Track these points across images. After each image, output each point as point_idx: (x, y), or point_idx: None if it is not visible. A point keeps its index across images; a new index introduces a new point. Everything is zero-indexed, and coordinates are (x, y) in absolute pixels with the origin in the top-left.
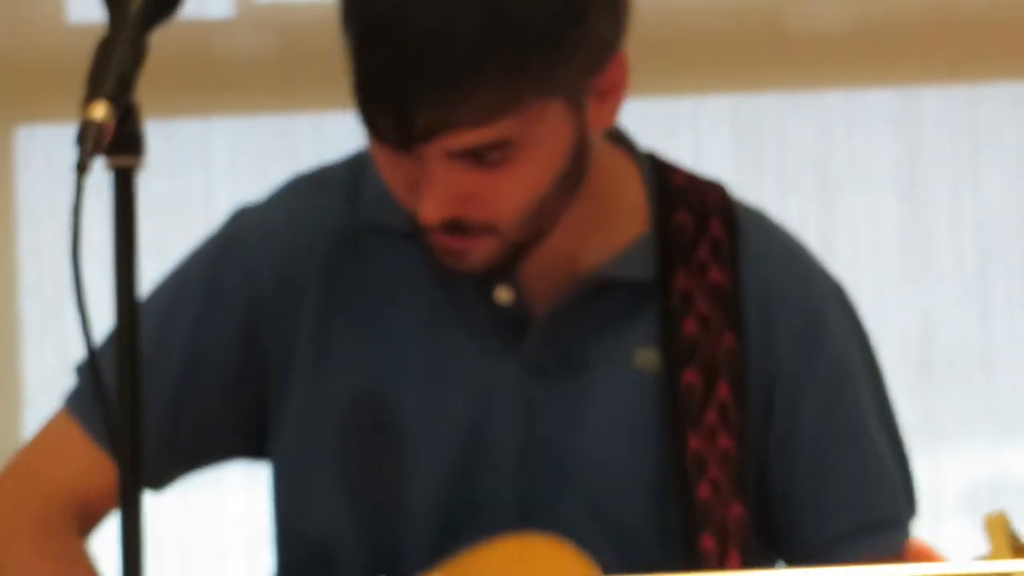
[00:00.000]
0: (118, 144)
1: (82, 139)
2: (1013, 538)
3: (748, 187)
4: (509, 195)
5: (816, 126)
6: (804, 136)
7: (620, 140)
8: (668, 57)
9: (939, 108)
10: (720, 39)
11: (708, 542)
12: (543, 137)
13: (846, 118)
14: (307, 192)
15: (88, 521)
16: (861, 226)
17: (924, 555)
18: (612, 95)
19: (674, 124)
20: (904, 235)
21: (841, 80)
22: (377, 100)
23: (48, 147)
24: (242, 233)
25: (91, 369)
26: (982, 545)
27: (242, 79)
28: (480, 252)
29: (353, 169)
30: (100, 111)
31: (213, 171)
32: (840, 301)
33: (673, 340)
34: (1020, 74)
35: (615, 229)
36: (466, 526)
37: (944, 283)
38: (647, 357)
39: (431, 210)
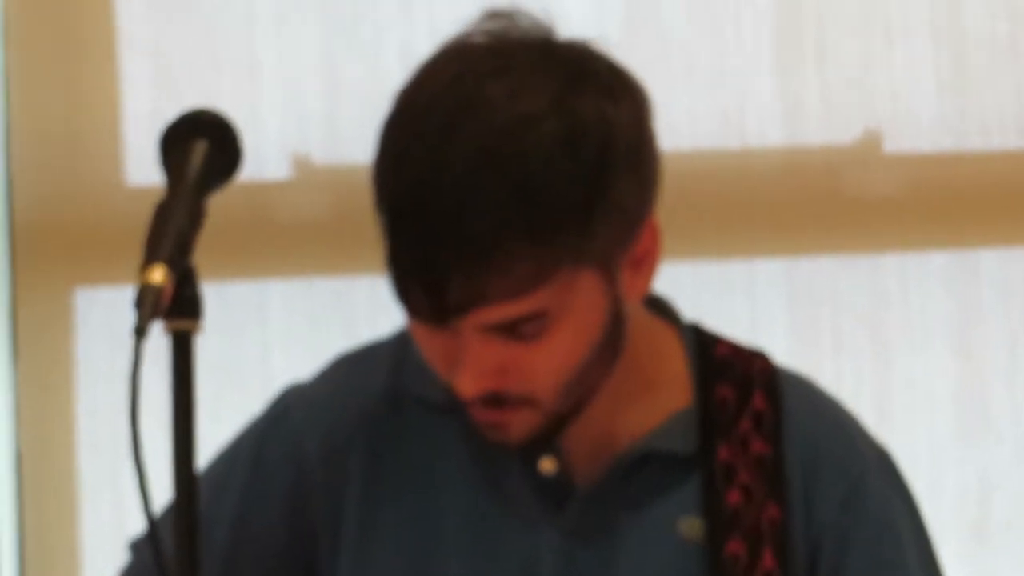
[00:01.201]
0: (176, 308)
1: (140, 303)
2: None
3: (803, 348)
4: (546, 367)
5: (871, 288)
6: (859, 298)
7: (662, 310)
8: (724, 221)
9: (995, 269)
10: (776, 203)
11: None
12: (577, 308)
13: (901, 280)
14: (352, 368)
15: None
16: (917, 387)
17: None
18: (646, 263)
19: (730, 287)
20: (960, 396)
21: (896, 243)
22: (408, 275)
23: (106, 309)
24: (289, 410)
25: (151, 544)
26: None
27: (298, 241)
28: (520, 424)
29: (398, 343)
30: (158, 275)
31: (269, 333)
32: (884, 466)
33: (716, 511)
34: None
35: (657, 401)
36: None
37: (1001, 444)
38: (690, 526)
39: (468, 384)
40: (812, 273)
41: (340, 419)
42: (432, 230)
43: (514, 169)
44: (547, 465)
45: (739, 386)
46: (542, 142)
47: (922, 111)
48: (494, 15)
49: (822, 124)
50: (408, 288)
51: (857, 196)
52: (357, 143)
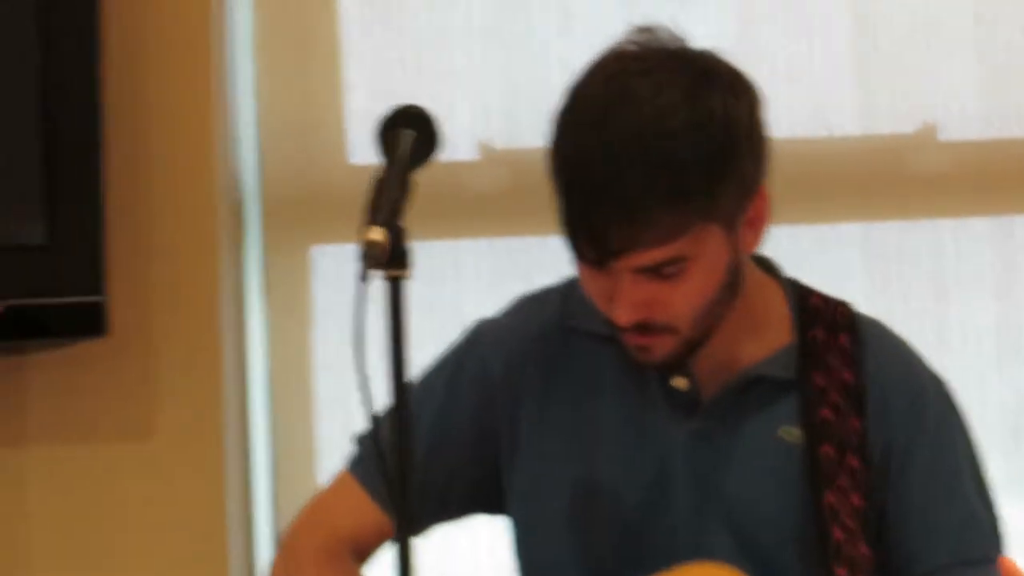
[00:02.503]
0: (391, 260)
1: (364, 256)
2: None
3: (877, 296)
4: (683, 301)
5: (930, 248)
6: (920, 255)
7: (768, 268)
8: (813, 194)
9: None
10: (853, 181)
11: (842, 574)
12: (707, 255)
13: (954, 241)
14: (530, 307)
15: (361, 555)
16: (967, 325)
17: (1014, 573)
18: (758, 223)
19: (820, 246)
20: (1000, 331)
21: (949, 212)
22: (577, 227)
23: (336, 261)
24: (481, 337)
25: (373, 439)
26: None
27: (483, 209)
28: (662, 347)
29: (565, 288)
30: (377, 234)
31: (461, 283)
32: (938, 388)
33: (812, 422)
34: None
35: (765, 337)
36: (650, 556)
37: None
38: (791, 433)
39: (623, 315)
40: (883, 235)
41: (519, 344)
42: (595, 193)
43: (657, 147)
44: (680, 382)
45: (828, 328)
46: (678, 127)
47: (968, 107)
48: (640, 29)
49: (889, 118)
50: (577, 237)
51: (916, 175)
52: (528, 131)
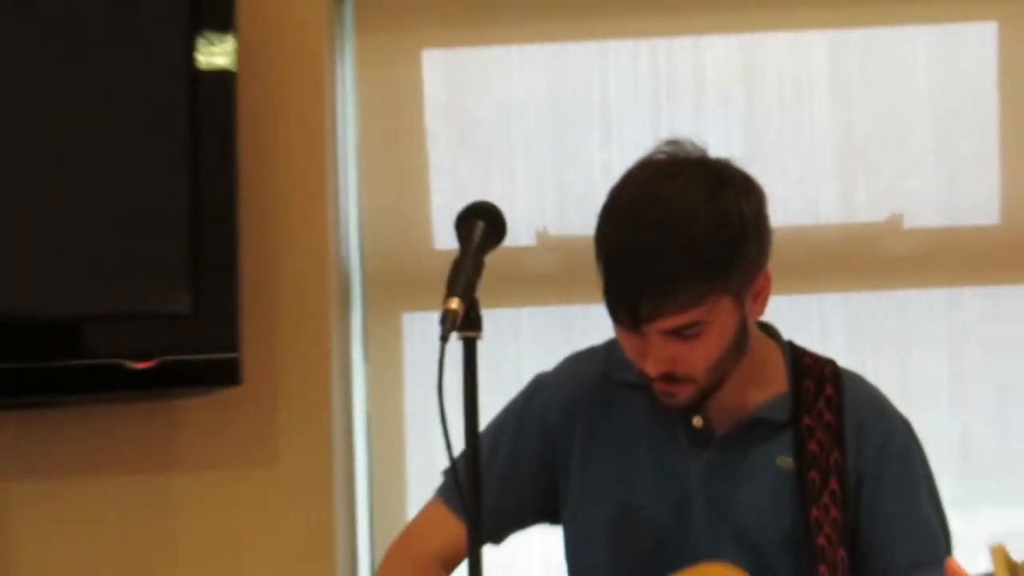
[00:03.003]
0: (465, 324)
1: (443, 321)
2: (1010, 562)
3: (854, 355)
4: (700, 357)
5: (897, 314)
6: (890, 321)
7: (770, 332)
8: (802, 269)
9: (977, 302)
10: (834, 257)
11: (824, 572)
12: (720, 321)
13: (915, 309)
14: (578, 362)
15: (448, 567)
16: (926, 378)
17: (958, 572)
18: (762, 295)
19: (807, 314)
20: (952, 383)
21: (913, 285)
22: (617, 300)
23: (423, 326)
24: (540, 388)
25: (454, 471)
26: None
27: (539, 284)
28: (683, 394)
29: (607, 347)
30: (455, 303)
31: (520, 342)
32: (904, 428)
33: (801, 454)
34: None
35: (766, 386)
36: (672, 561)
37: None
38: (785, 462)
39: (652, 368)
40: (859, 304)
41: (571, 393)
42: (631, 273)
43: (682, 237)
44: (697, 421)
45: (817, 380)
46: (700, 222)
47: (928, 201)
48: (669, 141)
49: (864, 209)
50: (616, 308)
51: (887, 256)
52: (576, 222)
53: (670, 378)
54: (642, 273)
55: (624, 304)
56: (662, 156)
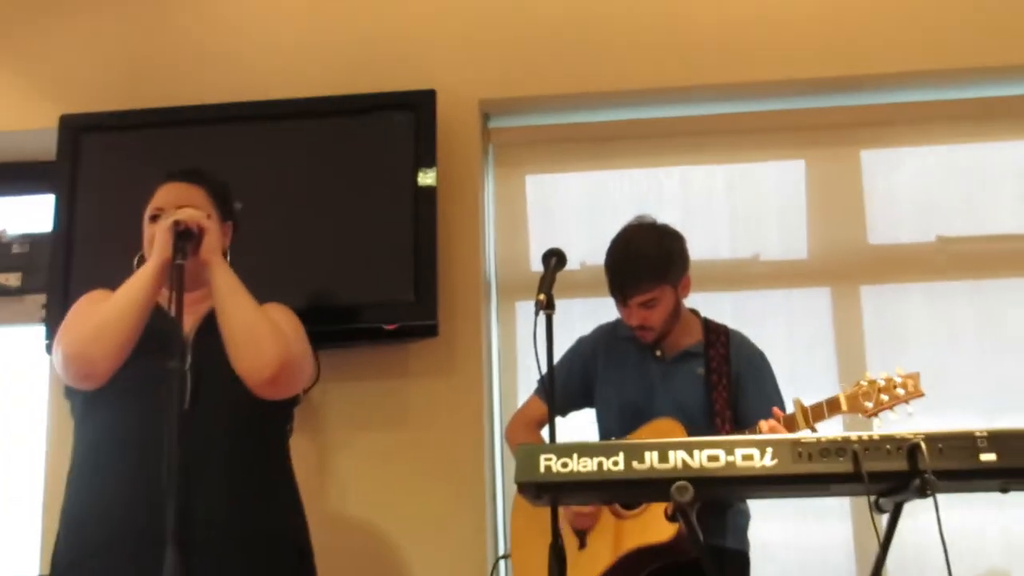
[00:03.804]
0: (547, 306)
1: (537, 306)
2: (804, 410)
3: (740, 322)
4: (657, 318)
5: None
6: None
7: (694, 311)
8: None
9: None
10: (721, 272)
11: (719, 423)
12: (666, 299)
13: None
14: (600, 329)
15: (540, 427)
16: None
17: (775, 430)
18: (686, 288)
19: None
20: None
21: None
22: (614, 288)
23: (527, 311)
24: (581, 341)
25: (542, 380)
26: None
27: (580, 288)
28: (649, 337)
29: (614, 322)
30: (541, 296)
31: (572, 319)
32: (761, 355)
33: (708, 367)
34: None
35: (691, 336)
36: (646, 419)
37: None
38: (700, 371)
39: (633, 321)
40: (745, 301)
41: (596, 343)
42: (620, 275)
43: (644, 258)
44: (658, 353)
45: (717, 335)
46: (653, 251)
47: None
48: (639, 216)
49: (726, 249)
50: (614, 291)
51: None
52: (599, 258)
53: (642, 328)
54: (626, 275)
55: (618, 290)
56: (636, 221)
